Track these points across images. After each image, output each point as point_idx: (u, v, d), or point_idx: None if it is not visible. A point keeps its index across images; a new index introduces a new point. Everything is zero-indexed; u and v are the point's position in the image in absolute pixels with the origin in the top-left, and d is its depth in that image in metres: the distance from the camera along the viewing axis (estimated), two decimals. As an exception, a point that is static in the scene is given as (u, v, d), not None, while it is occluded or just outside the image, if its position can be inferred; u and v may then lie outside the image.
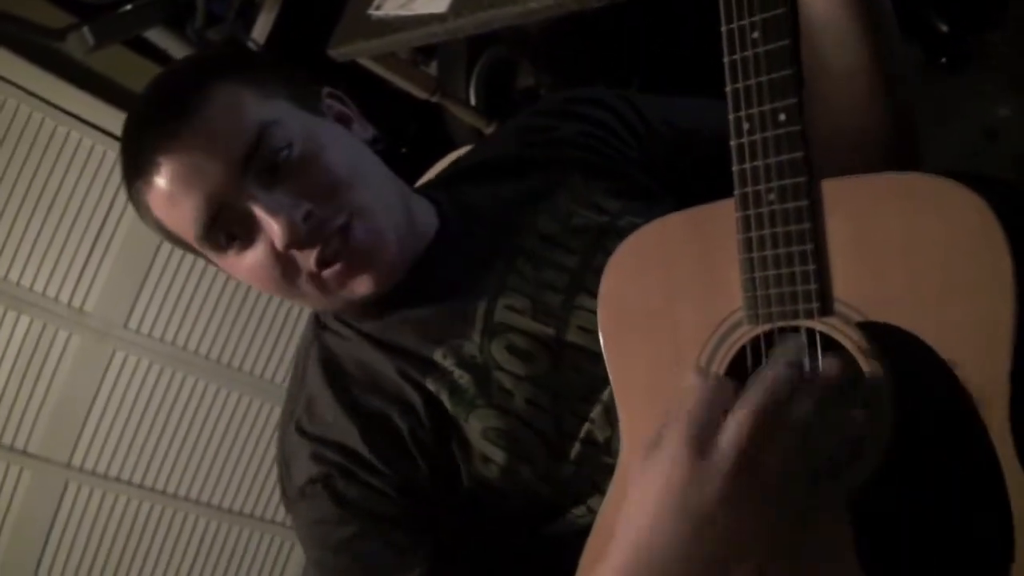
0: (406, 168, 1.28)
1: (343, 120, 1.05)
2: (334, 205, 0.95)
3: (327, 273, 0.97)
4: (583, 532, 0.90)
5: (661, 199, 1.10)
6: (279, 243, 0.92)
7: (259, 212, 0.92)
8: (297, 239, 0.93)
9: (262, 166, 0.92)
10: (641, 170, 1.13)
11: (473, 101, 2.47)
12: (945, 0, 1.92)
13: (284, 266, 0.96)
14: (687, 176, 1.12)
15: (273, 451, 2.91)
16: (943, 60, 1.95)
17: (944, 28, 1.92)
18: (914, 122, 0.92)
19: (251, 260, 0.96)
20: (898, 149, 0.91)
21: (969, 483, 0.69)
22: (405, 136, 2.66)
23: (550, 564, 0.99)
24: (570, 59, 2.35)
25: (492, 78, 2.52)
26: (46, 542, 2.71)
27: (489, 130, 2.32)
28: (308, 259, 0.95)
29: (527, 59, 2.47)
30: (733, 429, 0.66)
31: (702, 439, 0.66)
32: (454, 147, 1.65)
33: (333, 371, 1.05)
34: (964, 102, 1.99)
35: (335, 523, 0.99)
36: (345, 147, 0.99)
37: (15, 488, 2.65)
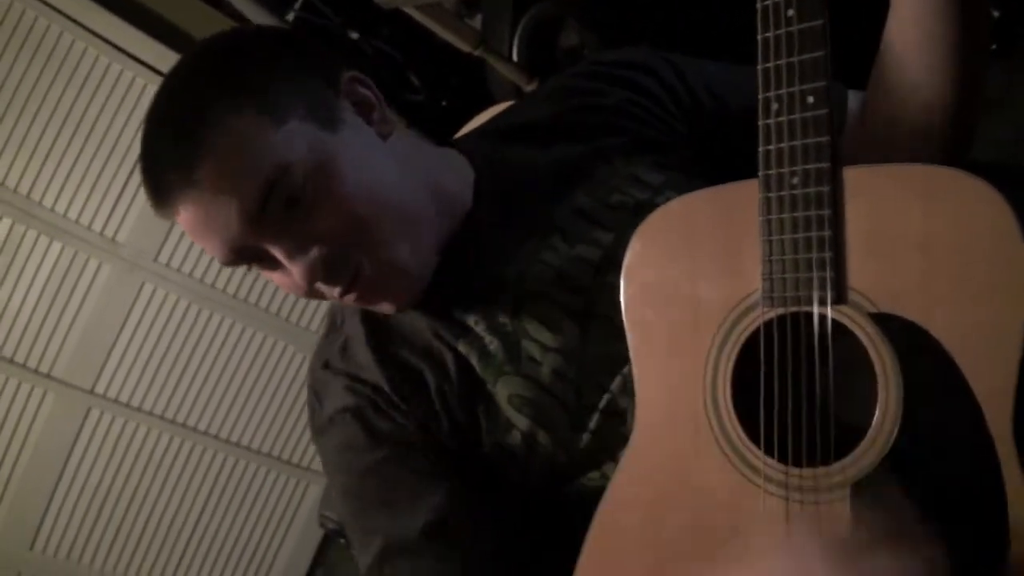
0: (445, 121, 1.27)
1: (364, 109, 1.02)
2: (354, 240, 0.95)
3: (349, 299, 1.00)
4: (594, 494, 0.92)
5: (701, 172, 1.08)
6: (300, 283, 0.95)
7: (277, 254, 0.94)
8: (316, 280, 0.95)
9: (276, 209, 0.92)
10: (684, 141, 1.12)
11: (515, 57, 2.44)
12: (1000, -16, 1.87)
13: (309, 291, 0.98)
14: (729, 148, 1.08)
15: (294, 393, 2.98)
16: (993, 46, 1.90)
17: (996, 14, 1.87)
18: (978, 117, 0.92)
19: (278, 279, 1.00)
20: (955, 144, 0.91)
21: (968, 480, 0.69)
22: (446, 88, 2.65)
23: (559, 522, 1.01)
24: (616, 20, 2.32)
25: (536, 35, 2.49)
26: (65, 465, 2.76)
27: (530, 87, 2.30)
28: (332, 291, 0.98)
29: (573, 17, 2.44)
30: None
31: None
32: (494, 102, 1.63)
33: (370, 320, 1.07)
34: (1013, 90, 1.95)
35: (363, 449, 1.01)
36: (363, 166, 0.97)
37: (38, 410, 2.71)
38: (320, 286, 0.97)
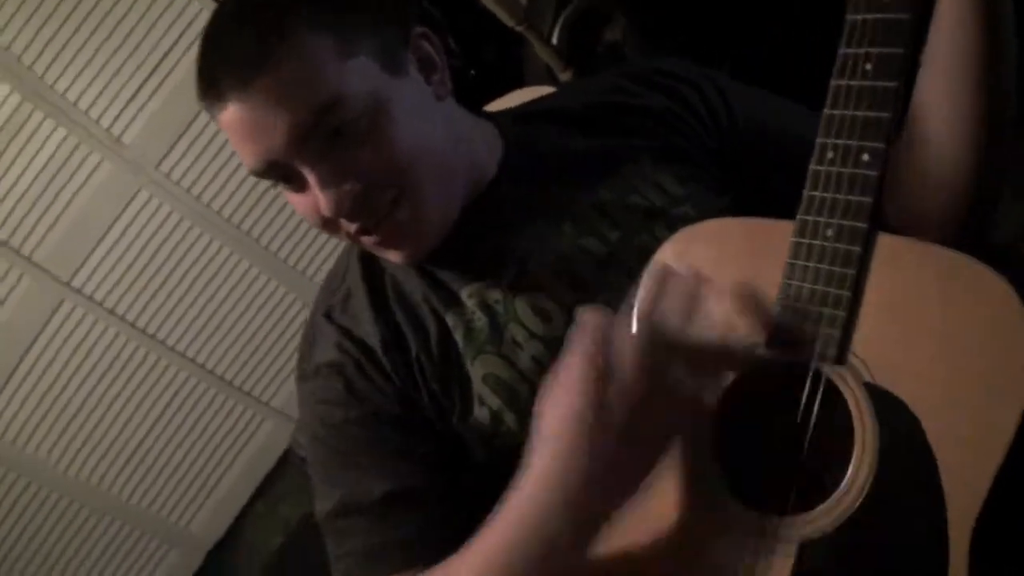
0: (470, 92, 1.26)
1: (426, 66, 1.02)
2: (387, 184, 0.97)
3: (364, 239, 1.01)
4: None
5: (723, 193, 1.09)
6: (325, 213, 0.96)
7: (310, 179, 0.95)
8: (340, 214, 0.96)
9: (323, 136, 0.93)
10: (713, 160, 1.13)
11: (555, 41, 2.43)
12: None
13: (326, 222, 0.99)
14: (755, 176, 1.11)
15: (269, 329, 2.98)
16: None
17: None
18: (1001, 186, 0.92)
19: (298, 203, 1.00)
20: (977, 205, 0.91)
21: (918, 567, 0.71)
22: (479, 59, 2.63)
23: None
24: (665, 25, 2.31)
25: (580, 23, 2.47)
26: (27, 350, 2.75)
27: (565, 75, 2.28)
28: (350, 227, 0.99)
29: (621, 13, 2.42)
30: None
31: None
32: (523, 83, 1.62)
33: (371, 273, 1.08)
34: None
35: (339, 405, 1.03)
36: (414, 118, 0.98)
37: (11, 291, 2.69)
38: (341, 220, 0.98)
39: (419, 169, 0.97)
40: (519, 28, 2.19)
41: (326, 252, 2.92)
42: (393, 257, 1.03)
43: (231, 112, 0.92)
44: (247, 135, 0.93)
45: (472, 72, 2.70)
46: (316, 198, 0.95)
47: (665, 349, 0.74)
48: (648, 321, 0.75)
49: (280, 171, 0.96)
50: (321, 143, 0.93)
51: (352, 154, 0.94)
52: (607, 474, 0.75)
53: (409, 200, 0.98)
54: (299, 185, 0.97)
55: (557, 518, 0.76)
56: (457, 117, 1.07)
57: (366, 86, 0.93)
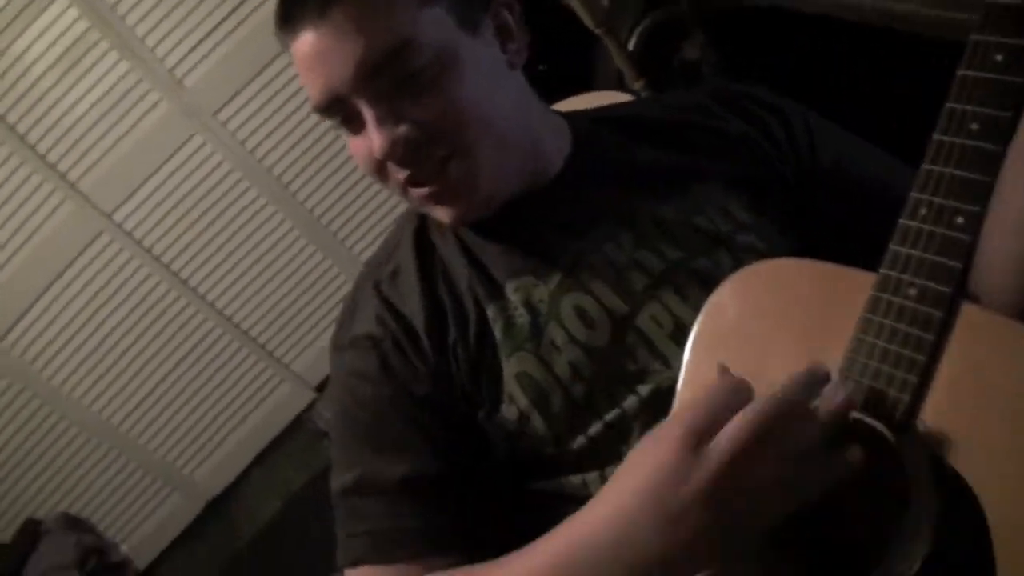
0: (539, 86, 1.25)
1: (503, 34, 1.03)
2: (443, 138, 0.97)
3: (413, 192, 1.01)
4: (567, 499, 0.96)
5: (788, 231, 1.07)
6: (375, 153, 0.96)
7: (367, 118, 0.96)
8: (392, 157, 0.96)
9: (389, 78, 0.94)
10: (786, 194, 1.11)
11: (631, 48, 2.41)
12: None
13: (378, 168, 1.00)
14: (827, 218, 1.09)
15: (300, 292, 2.97)
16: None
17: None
18: None
19: (354, 146, 1.01)
20: None
21: None
22: (550, 55, 2.60)
23: (528, 517, 1.01)
24: (743, 49, 2.28)
25: (658, 34, 2.45)
26: (59, 276, 2.77)
27: (637, 84, 2.27)
28: (399, 174, 0.99)
29: (702, 31, 2.40)
30: (730, 432, 0.68)
31: (699, 434, 0.68)
32: (591, 87, 1.59)
33: (424, 252, 1.08)
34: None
35: (371, 380, 1.03)
36: (483, 79, 0.98)
37: (51, 215, 2.70)
38: (391, 166, 0.99)
39: (478, 129, 0.97)
40: (598, 31, 2.17)
41: (369, 224, 2.91)
42: (440, 214, 1.03)
43: (303, 42, 0.94)
44: (315, 66, 0.95)
45: (541, 67, 2.68)
46: (371, 137, 0.96)
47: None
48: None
49: (342, 109, 0.97)
50: (387, 85, 0.94)
51: (415, 101, 0.95)
52: None
53: (463, 158, 0.98)
54: (359, 127, 0.98)
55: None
56: (527, 93, 1.07)
57: (438, 36, 0.94)
